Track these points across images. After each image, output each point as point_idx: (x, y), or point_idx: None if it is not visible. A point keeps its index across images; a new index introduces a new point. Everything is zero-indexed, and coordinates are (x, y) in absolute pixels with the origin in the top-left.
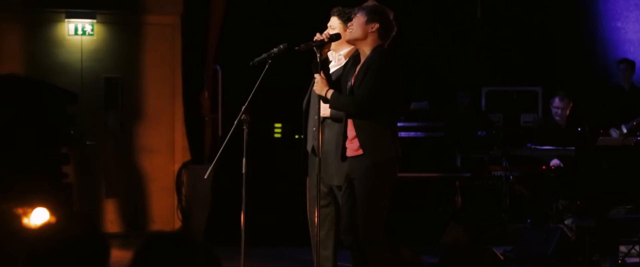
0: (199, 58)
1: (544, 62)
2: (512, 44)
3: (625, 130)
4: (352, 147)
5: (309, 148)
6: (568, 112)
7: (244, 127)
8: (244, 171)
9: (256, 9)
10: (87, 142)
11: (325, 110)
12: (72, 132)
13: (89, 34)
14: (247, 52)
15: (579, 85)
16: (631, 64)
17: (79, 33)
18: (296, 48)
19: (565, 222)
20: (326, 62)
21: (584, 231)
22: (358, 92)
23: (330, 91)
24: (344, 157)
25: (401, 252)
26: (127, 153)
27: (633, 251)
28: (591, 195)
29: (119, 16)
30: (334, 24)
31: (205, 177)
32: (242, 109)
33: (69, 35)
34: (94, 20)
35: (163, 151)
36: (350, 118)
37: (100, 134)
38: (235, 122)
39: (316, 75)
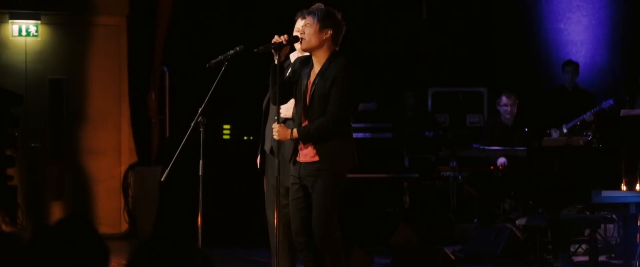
0: (145, 59)
1: (488, 63)
2: (457, 45)
3: (565, 131)
4: (307, 153)
5: (267, 148)
6: (515, 110)
7: (201, 129)
8: (201, 173)
9: (203, 10)
10: (32, 144)
11: (286, 111)
12: (16, 133)
13: (33, 35)
14: (194, 53)
15: (523, 85)
16: (577, 67)
17: (23, 34)
18: (255, 50)
19: (517, 222)
20: (283, 64)
21: (535, 231)
22: (331, 109)
23: (295, 131)
24: (294, 161)
25: (354, 253)
26: (73, 155)
27: (580, 249)
28: (543, 195)
29: (64, 17)
30: (300, 27)
31: (162, 179)
32: (199, 111)
33: (12, 36)
34: (39, 22)
35: (109, 153)
36: (329, 134)
37: (45, 136)
38: (192, 125)
39: (274, 125)
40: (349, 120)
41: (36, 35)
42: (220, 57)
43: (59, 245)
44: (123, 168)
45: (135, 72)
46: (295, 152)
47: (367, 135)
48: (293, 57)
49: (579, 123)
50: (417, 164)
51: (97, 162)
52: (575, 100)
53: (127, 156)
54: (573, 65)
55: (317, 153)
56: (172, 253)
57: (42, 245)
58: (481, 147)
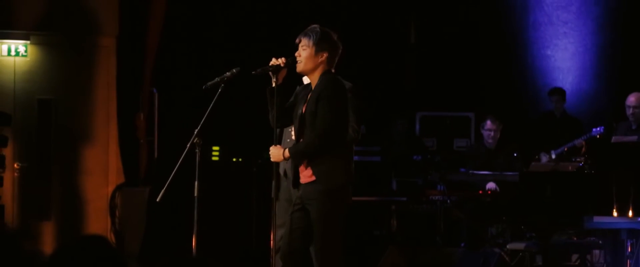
0: (134, 80)
1: (476, 88)
2: (445, 70)
3: (554, 156)
4: (306, 174)
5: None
6: (498, 135)
7: (196, 150)
8: (196, 194)
9: (193, 32)
10: (20, 164)
11: None
12: (4, 153)
13: (23, 55)
14: (183, 75)
15: (510, 111)
16: (563, 94)
17: (12, 54)
18: (252, 72)
19: (508, 246)
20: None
21: (525, 255)
22: (318, 125)
23: (287, 150)
24: (296, 184)
25: None
26: (61, 175)
27: None
28: (535, 220)
29: (54, 37)
30: None
31: (157, 200)
32: (195, 133)
33: (1, 56)
34: (28, 42)
35: (97, 173)
36: (317, 150)
37: (33, 156)
38: (188, 145)
39: (271, 148)
40: (339, 136)
41: (25, 55)
42: (216, 79)
43: (80, 264)
44: (110, 189)
45: (124, 92)
46: (297, 175)
47: (356, 158)
48: (306, 80)
49: (566, 149)
50: (405, 187)
51: (85, 182)
52: (563, 126)
53: (115, 176)
54: (559, 93)
55: (313, 172)
56: None
57: (62, 264)
58: (470, 171)
